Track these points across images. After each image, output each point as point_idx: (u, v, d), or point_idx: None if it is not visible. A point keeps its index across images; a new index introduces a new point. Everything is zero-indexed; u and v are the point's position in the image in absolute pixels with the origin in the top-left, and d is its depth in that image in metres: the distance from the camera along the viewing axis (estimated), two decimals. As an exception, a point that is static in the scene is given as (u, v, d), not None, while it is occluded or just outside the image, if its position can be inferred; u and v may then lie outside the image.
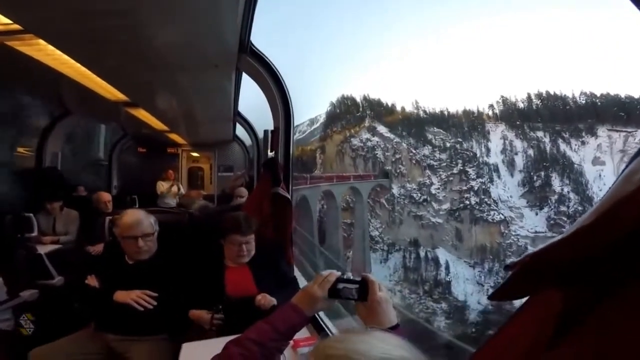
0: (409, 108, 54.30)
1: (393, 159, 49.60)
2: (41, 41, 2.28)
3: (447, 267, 42.09)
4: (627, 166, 0.43)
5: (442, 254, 43.53)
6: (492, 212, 44.64)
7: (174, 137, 6.93)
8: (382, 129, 52.10)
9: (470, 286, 40.06)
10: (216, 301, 1.68)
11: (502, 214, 44.29)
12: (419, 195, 47.76)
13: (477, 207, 45.29)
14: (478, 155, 49.17)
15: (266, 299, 1.70)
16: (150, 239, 1.89)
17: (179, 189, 6.23)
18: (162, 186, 6.04)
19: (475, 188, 46.29)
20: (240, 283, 1.82)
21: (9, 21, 2.01)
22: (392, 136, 51.52)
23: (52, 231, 3.73)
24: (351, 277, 0.99)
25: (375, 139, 51.28)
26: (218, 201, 5.88)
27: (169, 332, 1.83)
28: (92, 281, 1.82)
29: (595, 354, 0.45)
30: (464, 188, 46.62)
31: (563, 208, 43.51)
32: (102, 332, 1.84)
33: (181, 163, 8.09)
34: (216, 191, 7.30)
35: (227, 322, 1.62)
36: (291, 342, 1.04)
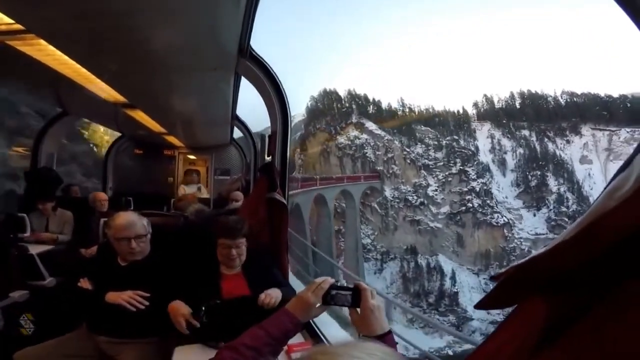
0: (394, 105, 52.01)
1: (385, 158, 45.72)
2: (42, 41, 2.28)
3: (453, 277, 39.11)
4: (610, 182, 0.45)
5: (443, 262, 40.84)
6: (495, 215, 42.04)
7: (171, 139, 6.91)
8: (371, 125, 48.23)
9: (476, 295, 37.09)
10: (201, 305, 1.61)
11: (505, 217, 41.92)
12: (415, 197, 44.26)
13: (480, 210, 42.42)
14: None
15: (270, 298, 1.66)
16: (143, 240, 1.89)
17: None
18: (184, 190, 6.06)
19: (477, 189, 43.53)
20: (235, 291, 1.80)
21: (11, 21, 2.01)
22: (382, 133, 47.62)
23: (45, 232, 3.69)
24: (345, 285, 1.01)
25: (364, 136, 47.29)
26: (214, 205, 5.85)
27: (160, 334, 1.82)
28: (84, 284, 1.81)
29: (579, 358, 0.46)
30: (465, 189, 43.79)
31: (563, 208, 41.67)
32: (93, 334, 1.82)
33: (178, 165, 8.06)
34: (212, 195, 7.27)
35: (213, 326, 1.58)
36: (285, 347, 1.04)
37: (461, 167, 45.13)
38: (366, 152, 46.17)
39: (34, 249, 3.12)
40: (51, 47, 2.39)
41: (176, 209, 5.23)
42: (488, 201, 42.92)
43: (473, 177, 44.61)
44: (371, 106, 51.37)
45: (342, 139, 47.32)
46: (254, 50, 2.67)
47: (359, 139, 47.21)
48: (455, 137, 47.85)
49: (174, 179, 7.82)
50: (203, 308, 1.58)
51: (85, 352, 1.80)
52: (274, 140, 2.70)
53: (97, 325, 1.82)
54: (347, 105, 50.61)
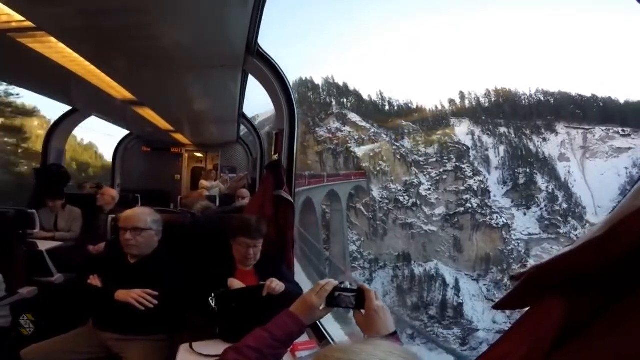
0: (374, 98, 48.15)
1: (371, 154, 40.89)
2: (52, 39, 2.31)
3: (457, 286, 35.38)
4: (637, 181, 0.44)
5: (439, 269, 37.00)
6: (494, 216, 38.48)
7: (178, 137, 6.97)
8: (354, 116, 43.46)
9: (479, 303, 34.30)
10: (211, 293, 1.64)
11: (504, 218, 38.51)
12: (407, 198, 39.66)
13: (479, 211, 38.56)
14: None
15: (278, 283, 1.69)
16: (141, 234, 1.84)
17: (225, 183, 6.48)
18: (204, 185, 6.22)
19: (475, 188, 39.63)
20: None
21: (22, 18, 2.03)
22: (367, 125, 42.75)
23: (54, 228, 3.73)
24: (349, 286, 1.00)
25: (347, 128, 42.45)
26: (220, 202, 5.91)
27: (167, 332, 1.82)
28: (94, 281, 1.82)
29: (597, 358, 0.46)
30: (462, 188, 39.79)
31: (556, 207, 38.98)
32: (99, 331, 1.83)
33: (186, 163, 8.13)
34: (219, 192, 7.33)
35: (224, 313, 1.60)
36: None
37: (457, 164, 41.13)
38: (350, 147, 41.22)
39: (43, 246, 3.15)
40: (61, 45, 2.42)
41: (182, 206, 5.27)
42: (486, 201, 39.37)
43: (470, 175, 40.89)
44: (349, 98, 47.02)
45: (321, 132, 42.15)
46: (261, 48, 2.66)
47: (341, 131, 42.36)
48: (448, 131, 44.67)
49: (181, 177, 7.89)
50: (213, 294, 1.60)
51: (92, 349, 1.80)
52: (280, 138, 2.69)
53: (104, 322, 1.83)
54: (324, 95, 45.84)
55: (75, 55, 2.59)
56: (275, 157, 2.71)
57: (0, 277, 2.11)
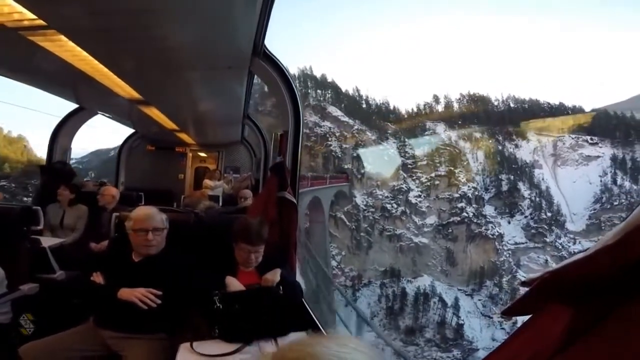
0: (351, 94, 44.87)
1: (354, 154, 36.33)
2: (63, 37, 2.33)
3: (456, 305, 32.46)
4: None
5: (429, 283, 33.85)
6: (489, 225, 35.58)
7: (182, 136, 7.00)
8: (334, 110, 38.64)
9: (475, 320, 31.96)
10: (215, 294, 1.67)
11: (498, 228, 35.83)
12: (395, 205, 35.60)
13: (475, 220, 35.31)
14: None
15: (273, 275, 1.78)
16: (160, 234, 1.89)
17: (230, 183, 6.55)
18: (208, 184, 6.28)
19: (469, 195, 36.18)
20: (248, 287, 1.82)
21: (34, 16, 2.06)
22: (350, 121, 38.19)
23: (60, 225, 3.74)
24: None
25: (327, 123, 37.67)
26: (223, 202, 5.92)
27: (167, 331, 1.82)
28: (97, 278, 1.82)
29: None
30: (456, 195, 36.49)
31: (543, 215, 37.14)
32: (100, 328, 1.82)
33: (190, 162, 8.16)
34: (222, 192, 7.34)
35: (226, 314, 1.61)
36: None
37: (450, 168, 37.80)
38: (330, 144, 36.01)
39: (46, 243, 3.16)
40: (71, 44, 2.45)
41: (185, 205, 5.28)
42: (481, 209, 36.06)
43: (463, 181, 37.50)
44: (327, 89, 43.56)
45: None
46: (267, 50, 2.68)
47: (320, 127, 37.17)
48: (436, 132, 42.25)
49: (185, 176, 7.92)
50: (217, 293, 1.62)
51: (91, 346, 1.80)
52: (285, 139, 2.70)
53: (104, 320, 1.82)
54: (302, 87, 40.86)
55: (85, 54, 2.62)
56: (279, 158, 2.71)
57: (2, 274, 2.12)
